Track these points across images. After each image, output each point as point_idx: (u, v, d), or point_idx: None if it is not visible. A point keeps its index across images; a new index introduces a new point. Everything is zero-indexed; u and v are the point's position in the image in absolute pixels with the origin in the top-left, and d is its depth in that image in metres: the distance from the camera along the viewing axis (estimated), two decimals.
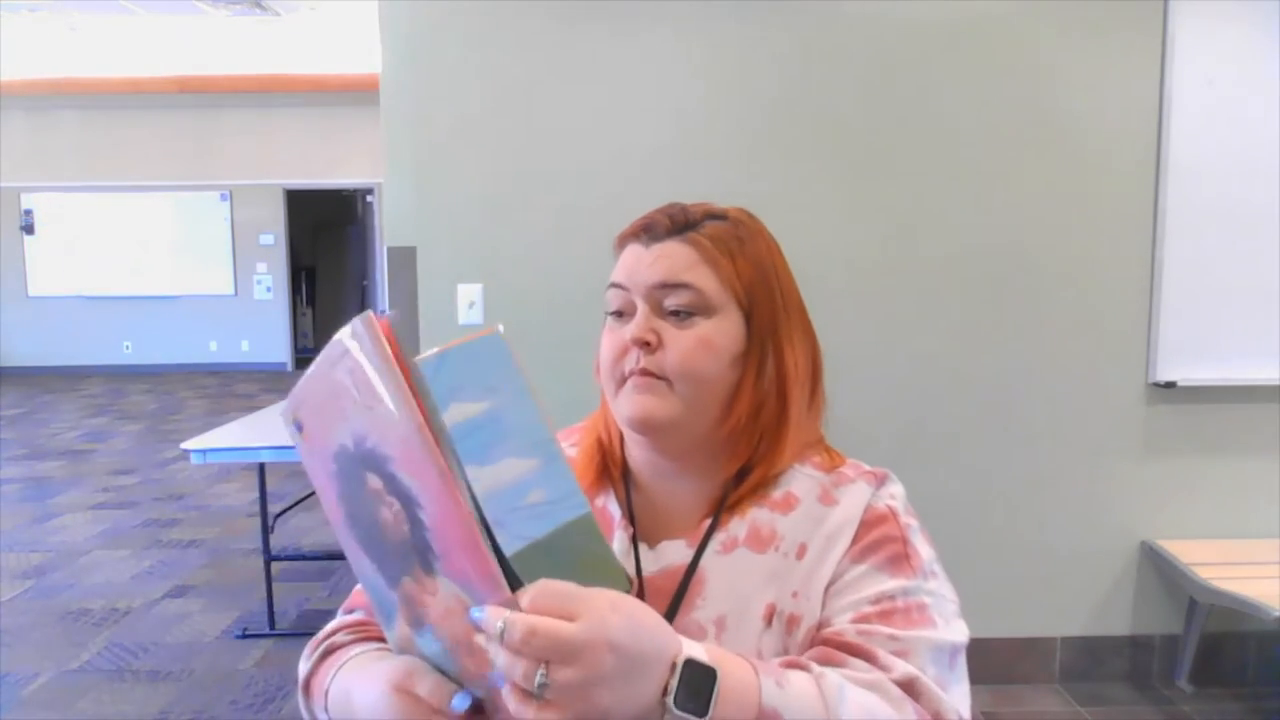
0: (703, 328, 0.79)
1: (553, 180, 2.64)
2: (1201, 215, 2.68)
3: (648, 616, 0.63)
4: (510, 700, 0.57)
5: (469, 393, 0.71)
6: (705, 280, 0.79)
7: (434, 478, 0.59)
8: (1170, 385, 2.73)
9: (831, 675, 0.69)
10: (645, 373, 0.79)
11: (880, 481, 0.83)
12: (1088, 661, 2.85)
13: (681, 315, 0.79)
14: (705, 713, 0.61)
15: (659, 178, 2.63)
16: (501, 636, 0.56)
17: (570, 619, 0.57)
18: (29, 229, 10.46)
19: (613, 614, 0.59)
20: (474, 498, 0.62)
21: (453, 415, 0.69)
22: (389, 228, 2.65)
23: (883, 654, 0.71)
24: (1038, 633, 2.83)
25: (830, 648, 0.73)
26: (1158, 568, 2.81)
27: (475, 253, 2.64)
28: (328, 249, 11.95)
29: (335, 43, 8.18)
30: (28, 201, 10.40)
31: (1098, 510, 2.80)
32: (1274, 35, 2.63)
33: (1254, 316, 2.72)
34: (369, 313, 0.61)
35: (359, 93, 8.47)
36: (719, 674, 0.63)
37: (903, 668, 0.70)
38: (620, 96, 2.63)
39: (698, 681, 0.62)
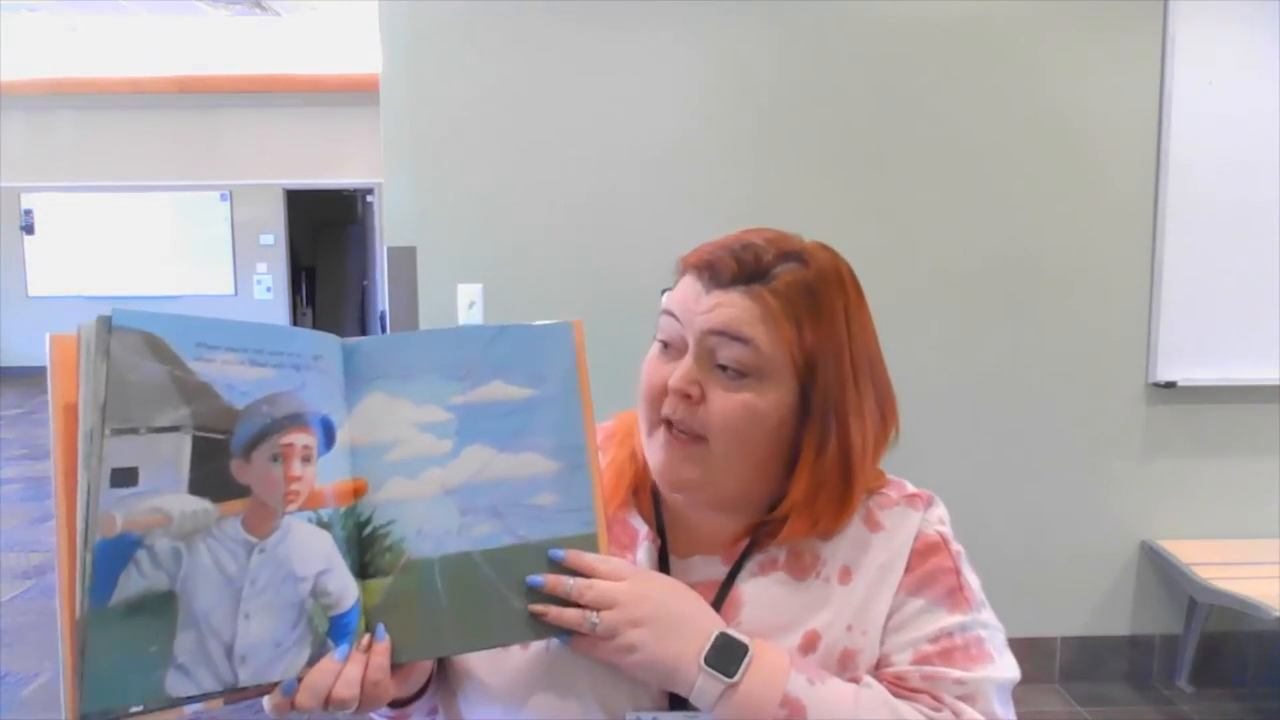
0: (751, 393, 0.73)
1: (553, 180, 2.63)
2: (1201, 215, 2.68)
3: (689, 592, 0.75)
4: (578, 646, 0.72)
5: (515, 375, 0.72)
6: (764, 340, 0.73)
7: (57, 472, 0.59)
8: (1170, 385, 2.73)
9: (879, 691, 0.72)
10: (680, 429, 0.75)
11: (926, 504, 0.82)
12: (1088, 661, 2.85)
13: (731, 373, 0.74)
14: (733, 677, 0.69)
15: (660, 177, 2.63)
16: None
17: (620, 580, 0.72)
18: (29, 229, 10.45)
19: (652, 578, 0.74)
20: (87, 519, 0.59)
21: (490, 393, 0.71)
22: (389, 228, 2.65)
23: (949, 699, 0.72)
24: (1038, 633, 2.83)
25: (897, 688, 0.74)
26: (1157, 568, 2.81)
27: (475, 253, 2.64)
28: (328, 249, 11.93)
29: (335, 43, 8.17)
30: (28, 201, 10.39)
31: (1098, 510, 2.80)
32: (1274, 35, 2.63)
33: (1254, 316, 2.72)
34: (52, 336, 0.60)
35: (359, 93, 8.46)
36: (751, 651, 0.71)
37: (969, 716, 0.72)
38: (621, 96, 2.63)
39: (730, 651, 0.71)
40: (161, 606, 0.59)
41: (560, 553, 0.71)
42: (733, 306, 0.73)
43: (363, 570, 0.69)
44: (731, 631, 0.72)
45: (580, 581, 0.71)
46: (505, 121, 2.61)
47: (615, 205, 2.63)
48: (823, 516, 0.77)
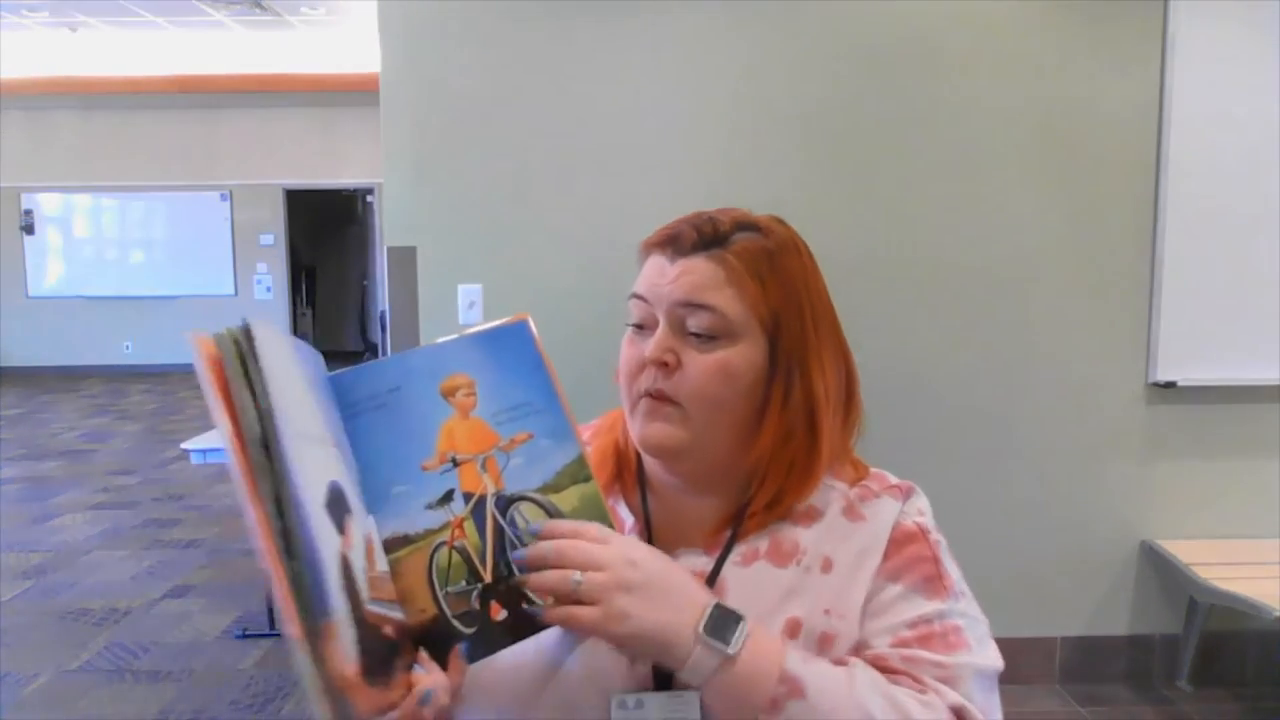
0: (724, 352, 0.76)
1: (553, 180, 2.64)
2: (1201, 215, 2.68)
3: (676, 563, 0.73)
4: (555, 614, 0.68)
5: (492, 370, 0.77)
6: (730, 303, 0.76)
7: (242, 486, 0.60)
8: (1170, 385, 2.73)
9: (870, 670, 0.72)
10: (660, 396, 0.77)
11: (906, 495, 0.82)
12: (1088, 661, 2.85)
13: (703, 338, 0.76)
14: (729, 646, 0.68)
15: (659, 177, 2.63)
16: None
17: (606, 543, 0.70)
18: (29, 229, 10.46)
19: (639, 544, 0.72)
20: (283, 515, 0.59)
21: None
22: (389, 228, 2.65)
23: (930, 681, 0.72)
24: (1038, 633, 2.83)
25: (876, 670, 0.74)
26: (1158, 568, 2.81)
27: (475, 253, 2.64)
28: (328, 249, 11.95)
29: (335, 42, 8.18)
30: (28, 201, 10.40)
31: (1098, 510, 2.80)
32: (1274, 35, 2.63)
33: (1254, 316, 2.72)
34: (193, 335, 0.61)
35: (359, 93, 8.47)
36: (746, 622, 0.70)
37: (951, 696, 0.71)
38: (620, 96, 2.63)
39: (726, 622, 0.69)
40: None
41: (537, 525, 0.71)
42: (696, 273, 0.76)
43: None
44: (726, 604, 0.71)
45: (561, 543, 0.69)
46: (505, 121, 2.61)
47: (615, 205, 2.63)
48: (794, 467, 0.78)
